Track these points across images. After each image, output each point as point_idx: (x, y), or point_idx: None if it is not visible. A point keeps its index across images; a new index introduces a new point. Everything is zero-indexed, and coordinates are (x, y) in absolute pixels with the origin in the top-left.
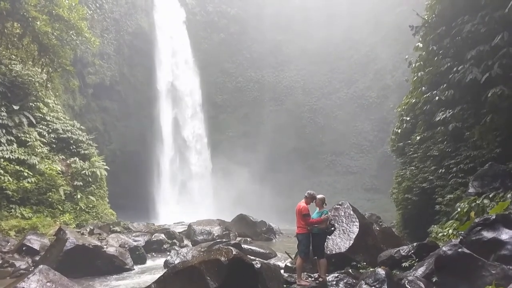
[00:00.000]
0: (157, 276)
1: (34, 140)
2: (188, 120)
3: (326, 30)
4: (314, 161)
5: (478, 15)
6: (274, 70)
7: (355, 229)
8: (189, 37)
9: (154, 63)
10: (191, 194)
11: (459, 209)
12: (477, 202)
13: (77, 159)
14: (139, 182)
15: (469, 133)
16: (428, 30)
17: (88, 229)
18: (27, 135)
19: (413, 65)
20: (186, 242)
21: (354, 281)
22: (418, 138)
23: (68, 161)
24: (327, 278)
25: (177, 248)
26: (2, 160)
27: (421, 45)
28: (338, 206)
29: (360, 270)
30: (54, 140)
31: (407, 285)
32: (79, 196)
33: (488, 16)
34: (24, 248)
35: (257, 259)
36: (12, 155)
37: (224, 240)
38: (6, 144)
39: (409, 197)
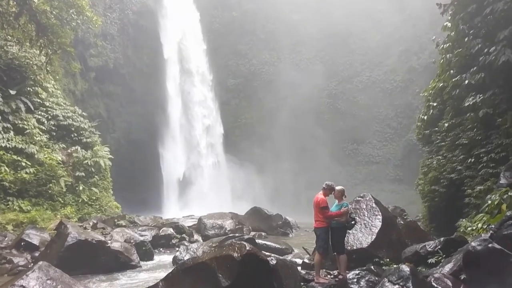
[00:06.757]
0: (165, 273)
1: (33, 127)
2: (199, 106)
3: (346, 8)
4: (333, 150)
5: None
6: (290, 52)
7: (378, 223)
8: (199, 15)
9: (161, 44)
10: (201, 186)
11: (489, 202)
12: (509, 194)
13: (79, 148)
14: (146, 173)
15: (501, 119)
16: (457, 8)
17: (91, 223)
18: (25, 122)
19: (441, 46)
20: (196, 237)
21: (376, 278)
22: (446, 125)
23: (69, 150)
24: (348, 275)
25: (186, 244)
26: None
27: (449, 24)
28: (359, 199)
29: (383, 267)
30: (54, 128)
31: (433, 283)
32: (81, 188)
33: None
34: (22, 244)
35: (273, 255)
36: (9, 143)
37: (237, 234)
38: (2, 132)
39: (436, 188)
